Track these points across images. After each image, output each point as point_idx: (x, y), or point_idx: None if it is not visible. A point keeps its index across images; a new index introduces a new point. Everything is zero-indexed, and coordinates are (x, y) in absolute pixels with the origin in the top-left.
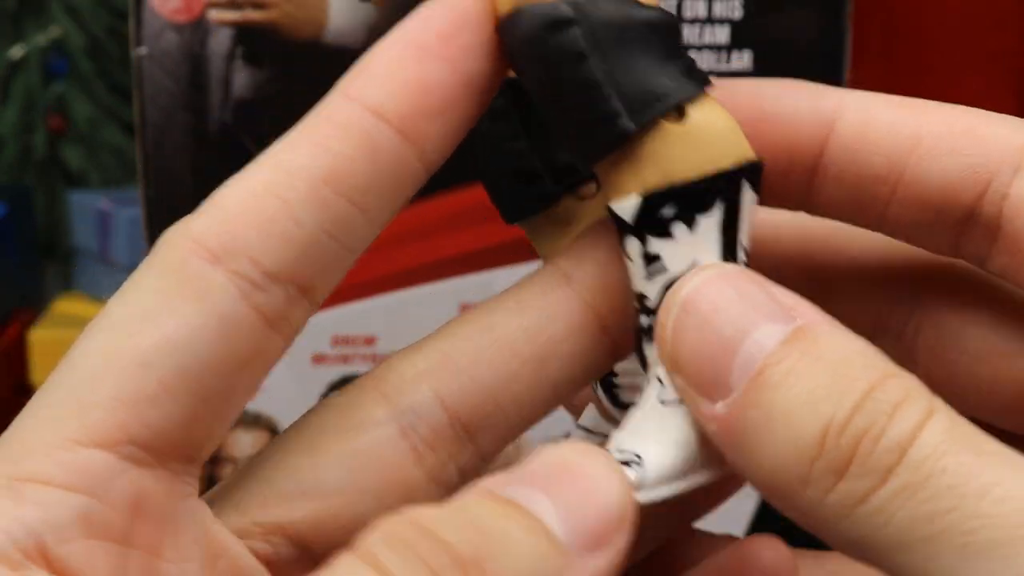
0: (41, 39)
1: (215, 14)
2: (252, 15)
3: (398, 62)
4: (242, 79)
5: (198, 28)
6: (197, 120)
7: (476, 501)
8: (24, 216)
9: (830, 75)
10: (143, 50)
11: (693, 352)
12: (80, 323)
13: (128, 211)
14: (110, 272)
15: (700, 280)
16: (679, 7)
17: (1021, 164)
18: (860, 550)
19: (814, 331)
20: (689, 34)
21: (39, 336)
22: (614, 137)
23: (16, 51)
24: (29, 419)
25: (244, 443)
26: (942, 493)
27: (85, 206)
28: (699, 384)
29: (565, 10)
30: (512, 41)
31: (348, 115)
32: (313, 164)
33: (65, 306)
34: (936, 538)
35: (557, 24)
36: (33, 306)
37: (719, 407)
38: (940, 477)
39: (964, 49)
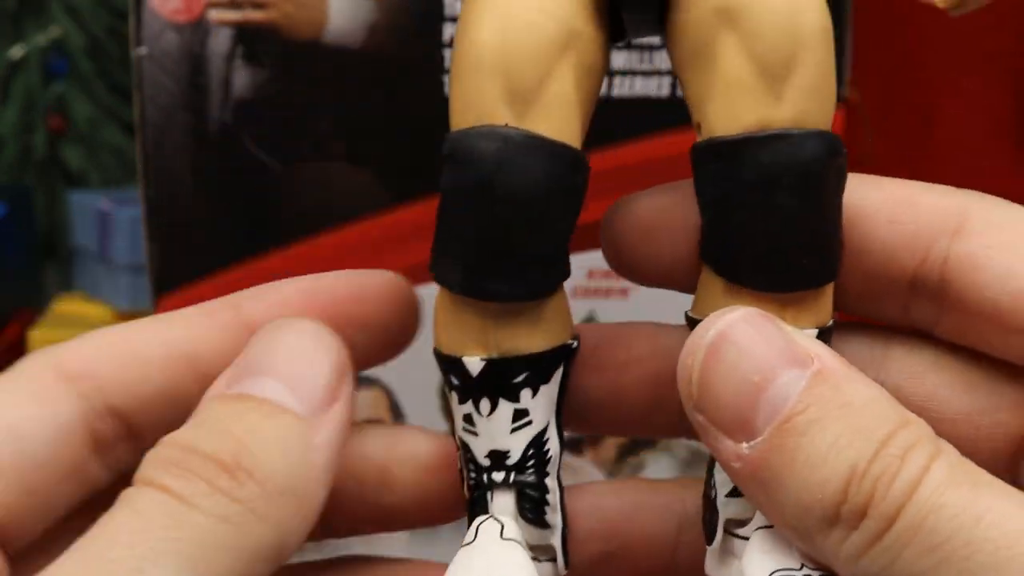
0: (41, 39)
1: (215, 14)
2: (252, 15)
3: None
4: (242, 79)
5: (198, 28)
6: (197, 120)
7: (217, 407)
8: (24, 216)
9: None
10: (143, 50)
11: (720, 393)
12: (80, 323)
13: (128, 211)
14: (110, 272)
15: (726, 323)
16: None
17: (959, 227)
18: None
19: (833, 377)
20: None
21: (39, 336)
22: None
23: (16, 51)
24: None
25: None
26: (943, 524)
27: (85, 206)
28: (724, 424)
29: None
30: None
31: (230, 312)
32: (181, 338)
33: (65, 306)
34: (939, 567)
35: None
36: (33, 306)
37: (744, 447)
38: (941, 511)
39: (962, 49)
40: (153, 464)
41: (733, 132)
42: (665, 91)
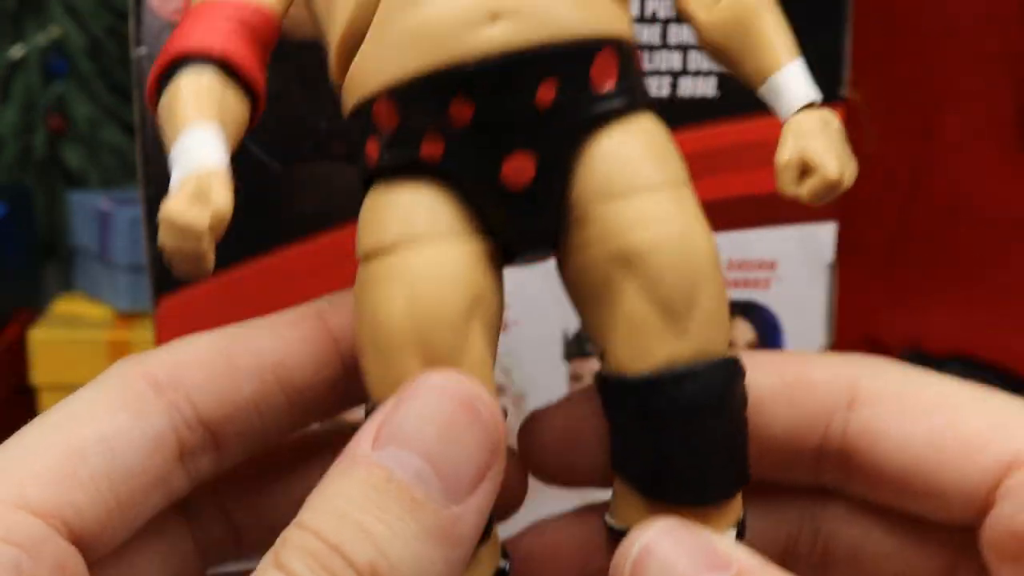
0: (41, 39)
1: None
2: None
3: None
4: None
5: None
6: None
7: (359, 487)
8: (24, 216)
9: (831, 74)
10: (143, 50)
11: None
12: (80, 323)
13: (128, 211)
14: (110, 272)
15: (648, 539)
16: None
17: (852, 400)
18: None
19: None
20: (689, 34)
21: (39, 336)
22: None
23: (16, 51)
24: None
25: None
26: None
27: (85, 206)
28: None
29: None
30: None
31: (314, 322)
32: (268, 348)
33: (65, 306)
34: None
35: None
36: (33, 306)
37: None
38: None
39: (963, 50)
40: (294, 551)
41: (642, 369)
42: (665, 91)
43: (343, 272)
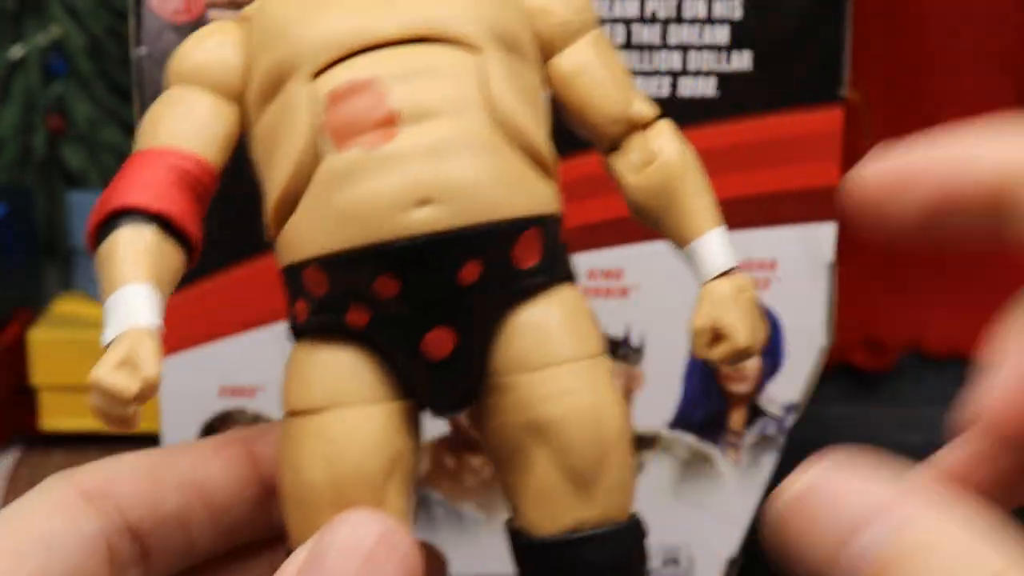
0: (41, 39)
1: (215, 15)
2: None
3: None
4: None
5: (198, 28)
6: None
7: None
8: (24, 216)
9: (830, 75)
10: (143, 50)
11: (804, 547)
12: (80, 323)
13: None
14: None
15: (811, 476)
16: (679, 7)
17: None
18: None
19: (921, 529)
20: (689, 34)
21: (38, 336)
22: None
23: (16, 51)
24: None
25: None
26: None
27: (85, 206)
28: None
29: None
30: None
31: (239, 448)
32: (191, 467)
33: (65, 306)
34: None
35: None
36: (33, 306)
37: None
38: None
39: (965, 48)
40: None
41: (550, 531)
42: (665, 91)
43: None
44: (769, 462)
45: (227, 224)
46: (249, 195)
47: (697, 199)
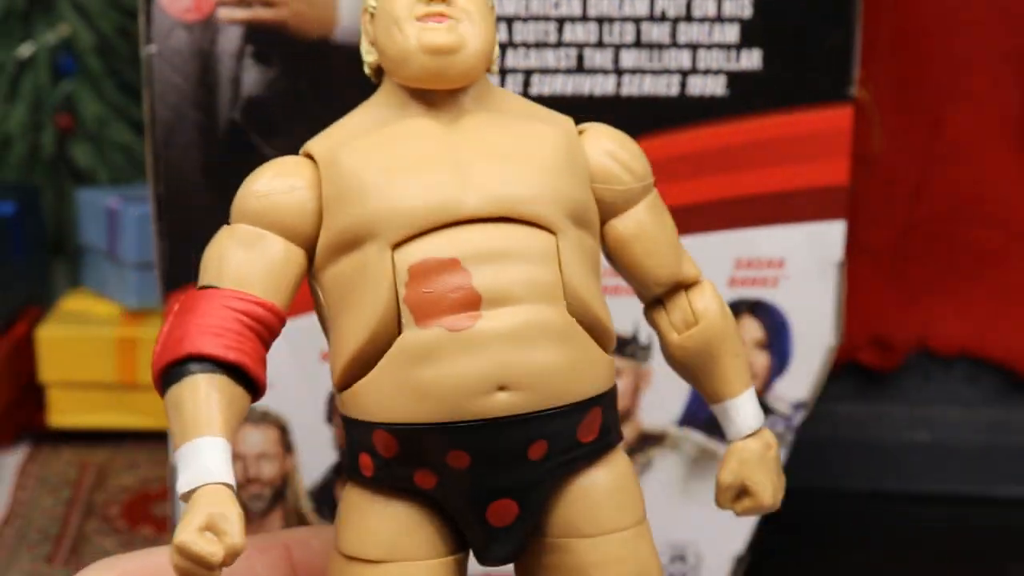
0: (50, 38)
1: (225, 12)
2: (262, 13)
3: None
4: (251, 77)
5: (208, 26)
6: (207, 118)
7: None
8: (32, 214)
9: (840, 73)
10: (153, 48)
11: None
12: (88, 320)
13: (137, 208)
14: (118, 269)
15: None
16: (688, 5)
17: None
18: None
19: None
20: (699, 32)
21: (47, 333)
22: None
23: (25, 49)
24: None
25: (253, 440)
26: None
27: (93, 204)
28: None
29: None
30: None
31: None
32: (238, 569)
33: (73, 303)
34: None
35: None
36: (41, 304)
37: None
38: None
39: (971, 49)
40: None
41: None
42: (674, 89)
43: None
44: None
45: None
46: None
47: (734, 361)
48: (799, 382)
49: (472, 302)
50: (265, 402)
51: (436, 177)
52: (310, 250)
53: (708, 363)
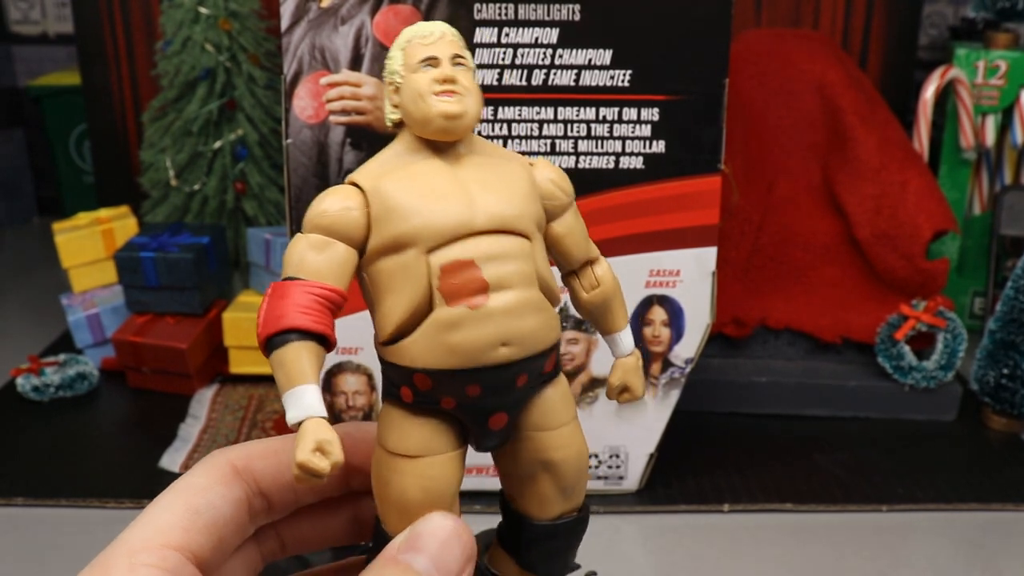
0: (231, 136)
1: (333, 118)
2: (356, 119)
3: None
4: (349, 157)
5: (323, 126)
6: (322, 183)
7: (388, 567)
8: (220, 244)
9: (713, 156)
10: (289, 140)
11: None
12: (253, 308)
13: (281, 240)
14: (271, 277)
15: None
16: (619, 113)
17: None
18: None
19: None
20: (626, 130)
21: (229, 316)
22: None
23: (216, 144)
24: (139, 529)
25: (351, 382)
26: None
27: (256, 237)
28: None
29: None
30: None
31: None
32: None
33: (244, 298)
34: None
35: None
36: (226, 298)
37: None
38: None
39: (789, 143)
40: None
41: (545, 519)
42: (611, 165)
43: None
44: (675, 395)
45: None
46: None
47: (620, 308)
48: (688, 346)
49: (483, 288)
50: (358, 359)
51: (454, 203)
52: (361, 251)
53: (604, 311)
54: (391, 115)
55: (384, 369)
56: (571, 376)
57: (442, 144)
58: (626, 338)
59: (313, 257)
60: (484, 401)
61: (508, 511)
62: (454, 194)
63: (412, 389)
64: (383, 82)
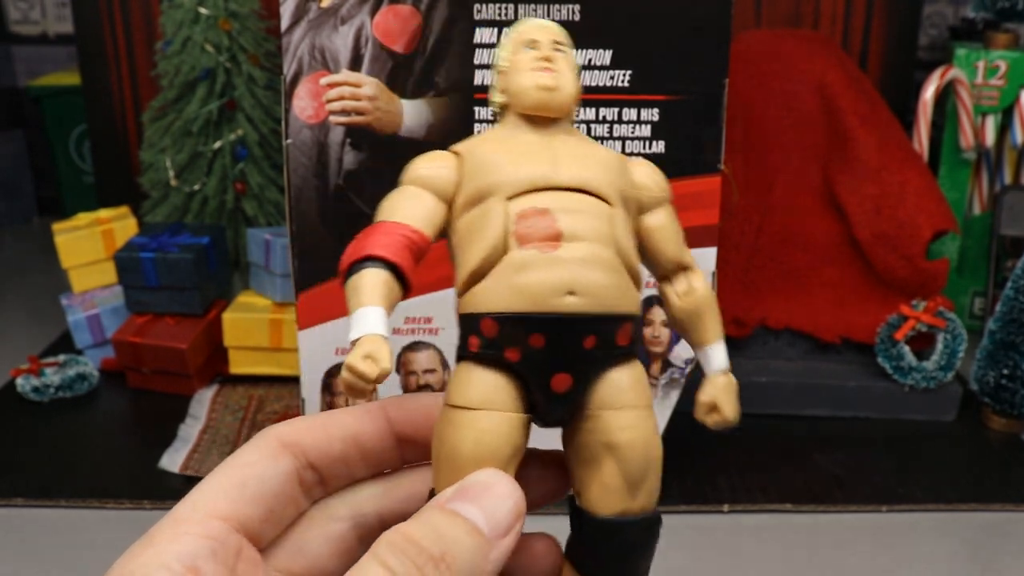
0: (231, 136)
1: (333, 118)
2: (356, 119)
3: None
4: (349, 158)
5: (323, 127)
6: (321, 183)
7: (435, 514)
8: (220, 244)
9: (713, 156)
10: (289, 140)
11: None
12: (252, 309)
13: (281, 240)
14: (270, 277)
15: None
16: (619, 114)
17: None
18: None
19: None
20: (627, 130)
21: (229, 316)
22: None
23: (216, 144)
24: (185, 503)
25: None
26: None
27: (256, 237)
28: None
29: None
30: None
31: (379, 411)
32: (350, 424)
33: (244, 298)
34: None
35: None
36: (226, 298)
37: None
38: None
39: (788, 143)
40: (384, 544)
41: (607, 514)
42: None
43: (415, 278)
44: (675, 395)
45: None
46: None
47: (712, 321)
48: (688, 347)
49: (556, 236)
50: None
51: (538, 162)
52: (449, 205)
53: (696, 321)
54: (497, 98)
55: (459, 325)
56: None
57: (540, 122)
58: (719, 354)
59: (405, 204)
60: (548, 355)
61: (573, 511)
62: (540, 156)
63: (479, 336)
64: (492, 71)
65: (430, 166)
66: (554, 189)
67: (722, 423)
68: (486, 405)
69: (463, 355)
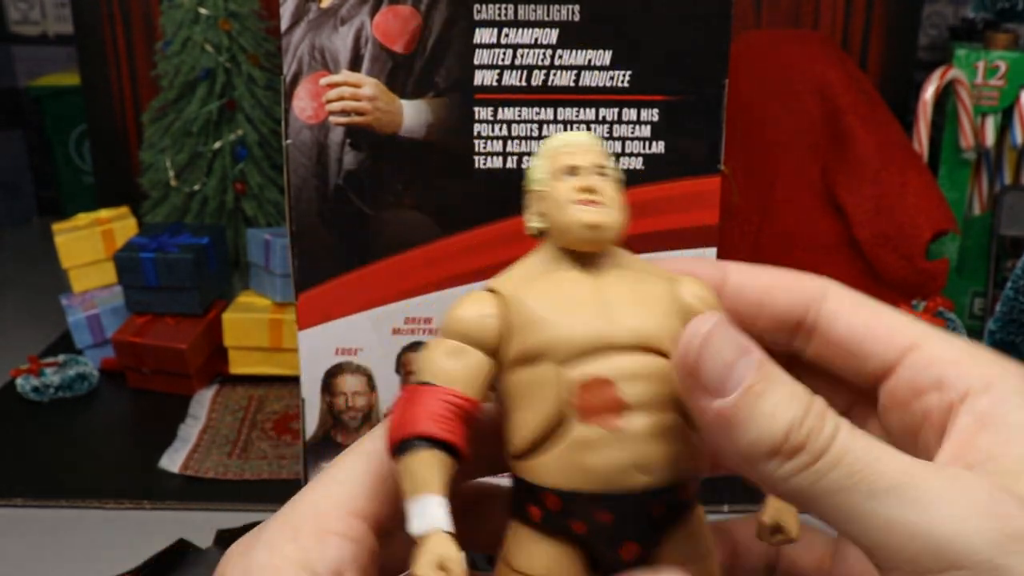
0: (231, 136)
1: (332, 118)
2: (355, 119)
3: None
4: (349, 158)
5: (322, 127)
6: (321, 184)
7: None
8: (220, 244)
9: (713, 156)
10: (289, 141)
11: (707, 367)
12: (252, 309)
13: (281, 240)
14: (270, 277)
15: (712, 323)
16: (619, 114)
17: (824, 294)
18: (800, 499)
19: (768, 364)
20: (626, 130)
21: (228, 316)
22: None
23: (216, 144)
24: (327, 492)
25: (351, 382)
26: (856, 458)
27: (256, 237)
28: (707, 387)
29: None
30: None
31: None
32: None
33: (244, 299)
34: (852, 488)
35: None
36: (226, 298)
37: (716, 404)
38: (854, 451)
39: (787, 143)
40: None
41: None
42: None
43: (415, 278)
44: None
45: (343, 244)
46: (358, 222)
47: None
48: None
49: (620, 407)
50: (357, 359)
51: (592, 316)
52: (495, 357)
53: None
54: (534, 223)
55: (514, 483)
56: None
57: (583, 254)
58: None
59: (448, 363)
60: (616, 530)
61: None
62: (592, 306)
63: (541, 508)
64: (525, 191)
65: (473, 317)
66: (611, 348)
67: (786, 542)
68: (552, 574)
69: (522, 519)
